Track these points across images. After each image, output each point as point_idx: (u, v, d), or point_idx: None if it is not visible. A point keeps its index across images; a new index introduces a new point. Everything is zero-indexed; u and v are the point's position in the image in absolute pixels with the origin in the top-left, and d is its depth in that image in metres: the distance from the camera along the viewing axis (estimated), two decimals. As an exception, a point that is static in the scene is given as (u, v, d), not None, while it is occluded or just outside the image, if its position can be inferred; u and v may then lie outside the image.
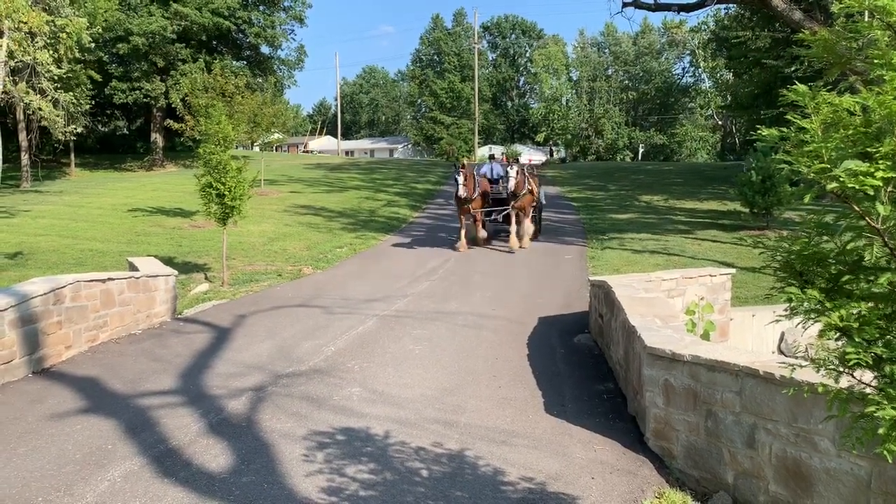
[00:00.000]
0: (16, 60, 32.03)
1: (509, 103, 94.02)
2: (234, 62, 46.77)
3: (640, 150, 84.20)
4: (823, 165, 2.30)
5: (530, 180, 18.22)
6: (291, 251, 19.10)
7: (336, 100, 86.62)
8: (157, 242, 20.43)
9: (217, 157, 14.34)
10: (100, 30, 33.87)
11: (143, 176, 43.68)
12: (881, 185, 2.26)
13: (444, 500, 4.65)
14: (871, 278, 2.43)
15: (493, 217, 18.68)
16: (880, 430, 2.30)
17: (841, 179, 2.25)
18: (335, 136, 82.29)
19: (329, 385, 7.12)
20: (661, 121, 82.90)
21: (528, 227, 18.62)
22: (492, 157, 19.40)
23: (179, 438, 5.66)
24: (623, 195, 33.00)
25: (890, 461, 2.33)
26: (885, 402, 2.30)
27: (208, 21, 44.47)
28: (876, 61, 2.26)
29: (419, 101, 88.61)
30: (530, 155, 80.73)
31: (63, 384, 7.21)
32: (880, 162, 2.24)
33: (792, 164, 2.35)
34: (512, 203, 17.62)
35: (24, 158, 38.31)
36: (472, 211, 17.63)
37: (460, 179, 16.86)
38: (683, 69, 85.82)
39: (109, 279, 9.15)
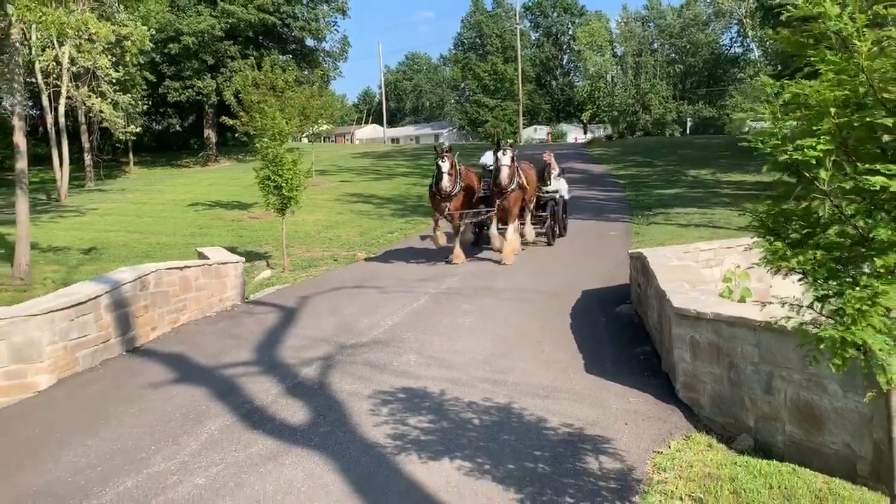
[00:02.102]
0: (77, 66, 33.77)
1: (553, 82, 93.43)
2: (280, 56, 47.93)
3: (689, 125, 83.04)
4: (776, 142, 2.90)
5: (522, 173, 14.49)
6: (345, 238, 20.01)
7: (380, 88, 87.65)
8: (218, 234, 21.58)
9: (274, 151, 15.25)
10: (153, 32, 35.27)
11: (199, 171, 45.33)
12: (822, 155, 2.86)
13: (493, 442, 5.36)
14: (824, 231, 3.03)
15: (477, 219, 14.95)
16: (821, 346, 2.91)
17: (789, 152, 2.85)
18: (381, 124, 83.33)
19: (388, 353, 7.89)
20: (709, 93, 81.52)
21: (526, 232, 15.62)
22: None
23: (262, 399, 6.50)
24: (670, 170, 33.08)
25: (834, 371, 2.94)
26: (829, 327, 2.90)
27: (254, 17, 45.76)
28: (813, 59, 2.85)
29: (462, 84, 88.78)
30: (576, 134, 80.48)
31: (154, 359, 8.15)
32: (821, 137, 2.84)
33: (751, 142, 2.96)
34: (497, 201, 14.00)
35: (87, 159, 40.20)
36: (448, 212, 14.19)
37: (444, 167, 13.51)
38: (731, 39, 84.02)
39: (186, 267, 10.10)
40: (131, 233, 23.13)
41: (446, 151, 13.86)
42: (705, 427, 6.04)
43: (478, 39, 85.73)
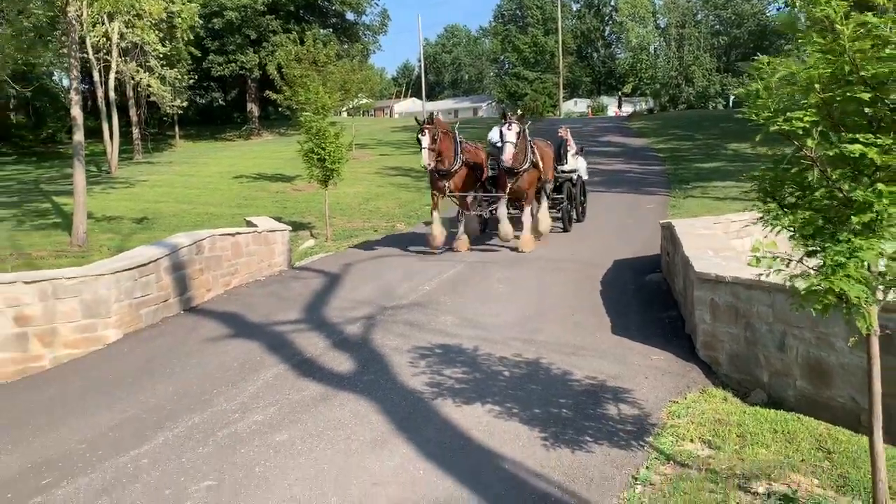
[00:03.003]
0: (126, 41, 34.70)
1: (595, 55, 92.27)
2: (321, 30, 48.40)
3: (733, 98, 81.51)
4: (769, 114, 3.30)
5: (537, 150, 13.02)
6: (385, 209, 20.57)
7: (419, 61, 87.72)
8: (263, 205, 22.31)
9: (317, 125, 15.80)
10: (198, 7, 35.98)
11: (242, 145, 46.29)
12: (809, 126, 3.25)
13: (521, 391, 5.86)
14: (812, 194, 3.42)
15: (485, 207, 13.38)
16: (801, 288, 3.33)
17: (779, 123, 3.25)
18: (419, 97, 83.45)
19: (426, 314, 8.42)
20: (755, 66, 79.73)
21: (542, 218, 13.72)
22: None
23: (311, 352, 7.10)
24: (710, 144, 32.89)
25: (815, 315, 3.35)
26: (812, 277, 3.31)
27: (296, -9, 46.22)
28: (801, 40, 3.23)
29: (502, 57, 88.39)
30: (614, 107, 79.64)
31: (210, 317, 8.81)
32: (808, 110, 3.23)
33: (745, 114, 3.36)
34: (508, 184, 12.42)
35: (136, 132, 41.33)
36: (448, 194, 12.74)
37: (424, 141, 11.70)
38: (778, 9, 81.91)
39: (238, 233, 10.75)
40: (180, 203, 24.01)
41: (427, 123, 11.88)
42: (722, 383, 6.45)
43: (518, 11, 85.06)
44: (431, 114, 12.80)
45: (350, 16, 53.50)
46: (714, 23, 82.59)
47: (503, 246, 12.91)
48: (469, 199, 13.09)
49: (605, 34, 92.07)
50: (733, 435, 4.97)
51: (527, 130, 12.55)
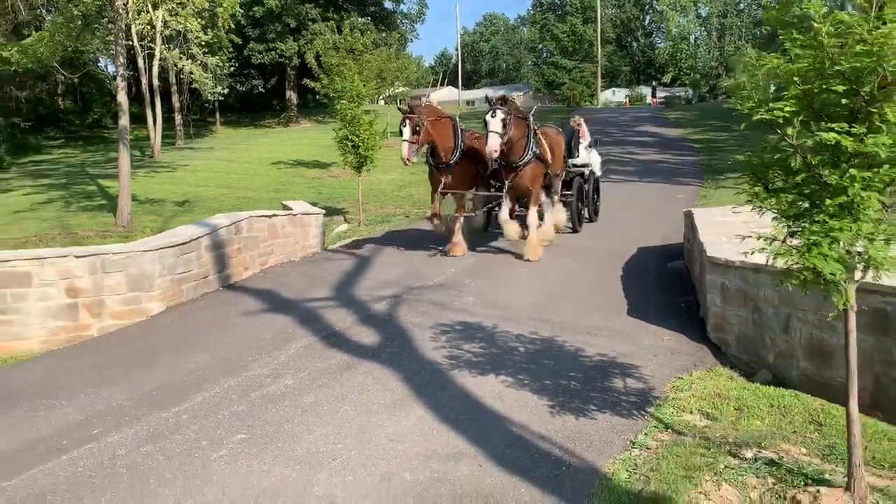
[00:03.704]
0: (170, 29, 35.55)
1: (634, 44, 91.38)
2: (359, 19, 48.88)
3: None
4: (752, 104, 3.59)
5: (544, 139, 11.49)
6: (417, 196, 20.98)
7: (457, 50, 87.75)
8: (300, 191, 22.89)
9: (352, 112, 16.26)
10: (238, -5, 36.62)
11: (281, 132, 47.08)
12: (790, 115, 3.54)
13: (534, 365, 6.21)
14: (794, 178, 3.71)
15: (479, 206, 12.51)
16: (781, 267, 3.63)
17: (761, 113, 3.55)
18: (457, 86, 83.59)
19: (450, 295, 8.81)
20: (797, 56, 78.31)
21: (550, 220, 12.07)
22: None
23: (339, 326, 7.54)
24: (747, 135, 32.60)
25: (791, 289, 3.65)
26: (790, 255, 3.61)
27: (335, -20, 46.74)
28: (782, 37, 3.51)
29: (540, 46, 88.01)
30: (651, 98, 78.82)
31: (247, 293, 9.31)
32: (789, 101, 3.53)
33: (731, 104, 3.66)
34: (507, 177, 10.87)
35: (178, 118, 42.33)
36: (442, 190, 11.19)
37: (405, 132, 10.45)
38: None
39: (274, 215, 11.26)
40: (220, 188, 24.72)
41: (409, 113, 10.56)
42: (731, 364, 6.72)
43: (556, 0, 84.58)
44: (412, 100, 11.80)
45: (388, 4, 53.97)
46: (756, 12, 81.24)
47: (508, 250, 11.56)
48: (468, 196, 11.75)
49: (645, 23, 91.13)
50: (731, 408, 5.28)
51: (531, 119, 11.14)
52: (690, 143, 31.48)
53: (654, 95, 76.40)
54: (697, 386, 5.82)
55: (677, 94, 72.67)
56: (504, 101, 10.40)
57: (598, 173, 15.34)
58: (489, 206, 12.50)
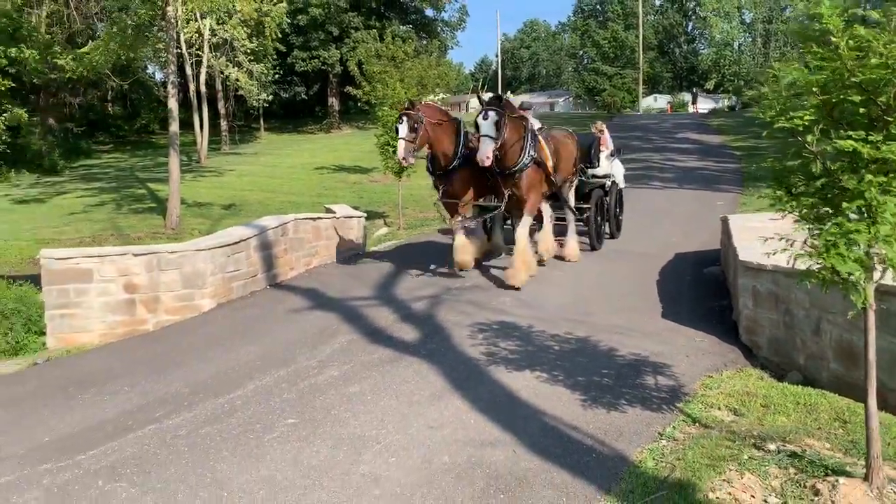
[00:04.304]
0: (217, 37, 36.57)
1: (676, 50, 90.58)
2: (400, 26, 49.51)
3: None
4: (773, 113, 3.82)
5: (550, 144, 10.46)
6: (457, 200, 21.30)
7: (497, 56, 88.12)
8: (342, 195, 23.39)
9: (393, 119, 16.64)
10: (284, 4, 37.49)
11: (323, 137, 47.90)
12: (808, 124, 3.76)
13: (568, 362, 6.46)
14: (815, 183, 3.92)
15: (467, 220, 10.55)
16: (802, 268, 3.85)
17: (782, 122, 3.77)
18: (495, 92, 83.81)
19: (487, 295, 9.10)
20: (844, 62, 76.81)
21: (568, 243, 11.30)
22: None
23: (381, 323, 7.89)
24: (790, 143, 32.32)
25: (809, 287, 3.86)
26: (812, 257, 3.82)
27: (378, -12, 47.47)
28: (803, 50, 3.73)
29: (581, 52, 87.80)
30: (698, 104, 78.05)
31: (293, 292, 9.72)
32: (808, 110, 3.75)
33: (754, 113, 3.88)
34: (505, 186, 9.79)
35: (223, 124, 43.42)
36: (441, 199, 10.44)
37: (402, 130, 9.55)
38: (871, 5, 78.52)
39: (318, 218, 11.69)
40: (265, 192, 25.39)
41: (411, 109, 9.74)
42: (762, 365, 6.89)
43: (598, 6, 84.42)
44: (411, 100, 10.90)
45: (429, 12, 54.53)
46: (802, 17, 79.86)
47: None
48: (461, 207, 10.37)
49: (688, 29, 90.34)
50: (758, 405, 5.46)
51: (530, 120, 10.09)
52: (732, 151, 31.28)
53: (694, 102, 75.48)
54: (727, 384, 6.01)
55: (719, 103, 71.63)
56: (498, 100, 9.50)
57: (622, 185, 14.23)
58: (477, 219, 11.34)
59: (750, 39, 79.80)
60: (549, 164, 10.22)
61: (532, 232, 10.37)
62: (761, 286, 7.13)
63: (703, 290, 9.71)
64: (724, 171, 24.84)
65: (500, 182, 9.82)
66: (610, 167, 13.36)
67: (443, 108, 10.57)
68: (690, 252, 12.33)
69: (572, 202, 11.68)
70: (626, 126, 43.58)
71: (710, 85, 79.99)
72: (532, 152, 9.74)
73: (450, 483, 4.21)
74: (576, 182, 11.86)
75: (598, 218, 12.58)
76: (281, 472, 4.39)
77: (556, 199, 11.26)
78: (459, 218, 10.32)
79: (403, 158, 9.63)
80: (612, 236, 13.56)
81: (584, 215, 12.23)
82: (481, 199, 10.72)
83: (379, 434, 4.93)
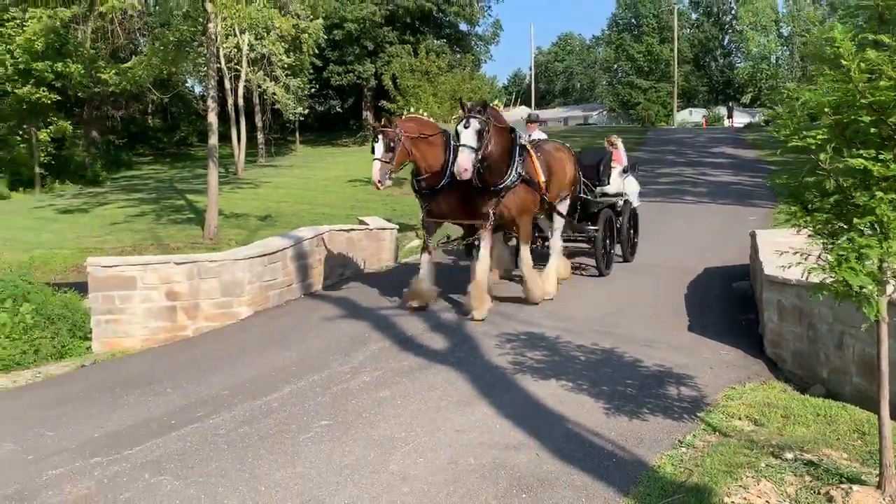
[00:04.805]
0: (255, 52, 37.37)
1: (713, 64, 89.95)
2: (434, 41, 50.11)
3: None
4: (788, 132, 4.00)
5: (541, 159, 9.47)
6: (488, 213, 21.51)
7: (530, 69, 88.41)
8: (374, 207, 23.75)
9: (426, 132, 16.97)
10: (321, 21, 38.20)
11: (357, 150, 48.46)
12: (821, 143, 3.93)
13: (594, 372, 6.63)
14: (828, 199, 4.08)
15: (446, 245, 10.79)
16: (816, 281, 4.00)
17: (795, 141, 3.95)
18: (529, 106, 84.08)
19: (515, 307, 9.29)
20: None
21: (552, 267, 9.97)
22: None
23: (411, 332, 8.14)
24: (805, 160, 32.00)
25: (821, 298, 4.01)
26: (826, 271, 3.98)
27: (412, 4, 48.10)
28: (814, 73, 3.91)
29: (615, 66, 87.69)
30: (734, 118, 77.34)
31: (326, 301, 10.02)
32: (821, 129, 3.92)
33: (769, 131, 4.05)
34: (486, 205, 8.83)
35: (260, 137, 44.25)
36: (429, 220, 9.66)
37: (378, 149, 8.76)
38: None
39: (352, 230, 12.02)
40: (300, 203, 25.88)
41: (385, 125, 8.96)
42: (786, 378, 6.98)
43: (633, 20, 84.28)
44: (388, 112, 10.02)
45: (463, 26, 55.05)
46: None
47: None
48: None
49: (724, 43, 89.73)
50: (778, 415, 5.58)
51: (517, 132, 9.21)
52: (767, 165, 31.03)
53: (730, 116, 74.75)
54: (749, 396, 6.13)
55: (755, 118, 70.78)
56: (483, 107, 8.48)
57: (636, 203, 12.94)
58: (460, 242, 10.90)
59: (787, 53, 79.05)
60: (542, 180, 9.32)
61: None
62: (786, 300, 7.23)
63: (731, 304, 9.79)
64: (758, 186, 24.70)
65: (481, 200, 8.86)
66: (622, 184, 12.38)
67: (429, 120, 9.71)
68: (720, 267, 12.37)
69: (561, 223, 10.29)
70: (660, 140, 43.48)
71: (746, 99, 79.32)
72: (520, 169, 8.85)
73: (475, 482, 4.42)
74: (568, 200, 10.48)
75: (607, 241, 11.51)
76: (315, 469, 4.64)
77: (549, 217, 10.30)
78: (437, 242, 9.36)
79: (378, 181, 8.77)
80: (626, 260, 12.49)
81: (592, 240, 11.17)
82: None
83: (408, 436, 5.16)
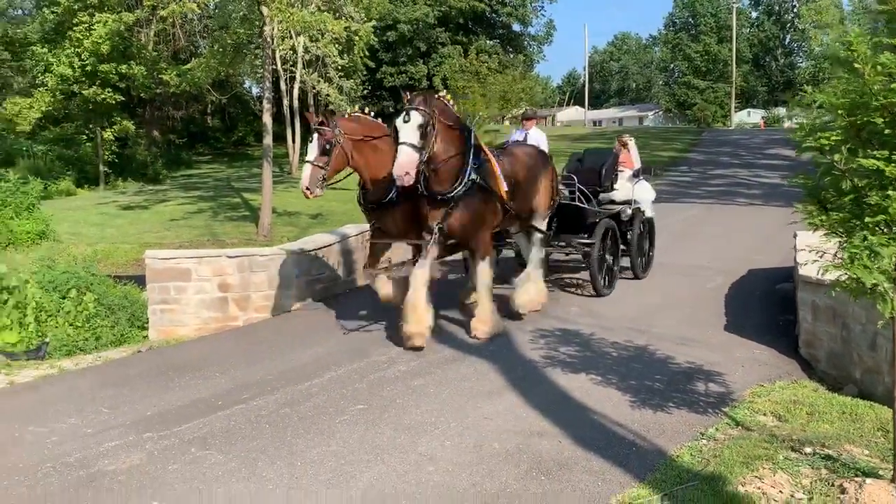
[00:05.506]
0: (310, 54, 38.13)
1: (773, 63, 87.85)
2: (487, 41, 50.28)
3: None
4: (802, 133, 4.12)
5: (484, 161, 7.63)
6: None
7: (584, 70, 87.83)
8: (423, 206, 24.11)
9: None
10: (374, 22, 38.75)
11: (409, 150, 49.02)
12: (835, 144, 4.05)
13: (624, 367, 6.79)
14: (844, 198, 4.19)
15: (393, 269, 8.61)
16: (830, 279, 4.12)
17: (809, 142, 4.07)
18: (583, 106, 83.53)
19: (553, 304, 9.47)
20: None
21: (528, 290, 8.75)
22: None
23: (447, 326, 8.43)
24: (821, 160, 31.18)
25: (833, 293, 4.12)
26: (842, 268, 4.09)
27: (465, 5, 48.39)
28: (829, 75, 4.01)
29: (672, 65, 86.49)
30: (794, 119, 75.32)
31: (369, 294, 10.30)
32: (835, 130, 4.04)
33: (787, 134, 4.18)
34: (431, 216, 7.52)
35: (314, 138, 45.03)
36: (373, 241, 8.81)
37: (311, 151, 7.65)
38: None
39: (396, 227, 12.30)
40: (347, 203, 26.28)
41: (323, 123, 7.63)
42: (819, 378, 7.01)
43: (690, 19, 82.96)
44: (327, 106, 8.74)
45: (516, 27, 55.09)
46: (910, 29, 76.32)
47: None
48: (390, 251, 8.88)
49: (786, 42, 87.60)
50: (803, 412, 5.66)
51: (473, 130, 7.89)
52: (815, 168, 30.40)
53: (791, 118, 72.91)
54: (777, 393, 6.21)
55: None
56: (427, 98, 7.16)
57: (649, 213, 11.31)
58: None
59: (851, 52, 76.76)
60: (502, 190, 7.82)
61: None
62: (820, 300, 7.25)
63: (772, 305, 9.78)
64: (811, 188, 24.26)
65: (427, 211, 7.55)
66: (632, 191, 10.89)
67: (376, 121, 8.38)
68: (764, 268, 12.30)
69: (537, 237, 9.05)
70: (716, 141, 42.85)
71: (806, 100, 77.26)
72: (474, 175, 7.43)
73: (497, 464, 4.66)
74: (545, 215, 9.10)
75: (611, 256, 10.14)
76: (348, 448, 4.95)
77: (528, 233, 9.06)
78: (383, 267, 8.45)
79: (307, 188, 7.57)
80: (636, 276, 11.04)
81: (588, 257, 9.77)
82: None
83: (437, 421, 5.43)
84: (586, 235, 9.79)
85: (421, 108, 7.01)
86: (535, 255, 9.05)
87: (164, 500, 4.28)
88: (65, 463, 4.83)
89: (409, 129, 6.91)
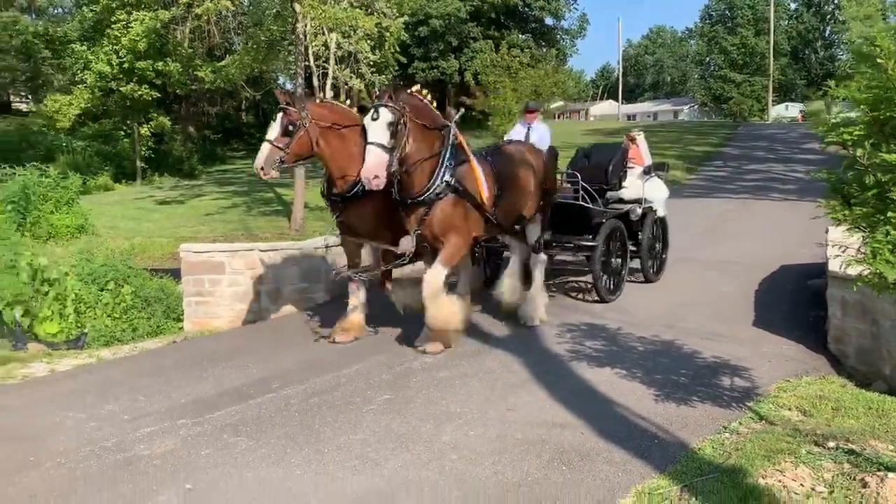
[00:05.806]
0: (342, 50, 38.43)
1: (812, 56, 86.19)
2: (519, 35, 50.12)
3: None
4: (825, 127, 4.13)
5: (463, 162, 7.17)
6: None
7: (618, 63, 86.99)
8: (454, 201, 24.20)
9: (503, 128, 17.29)
10: (406, 17, 38.85)
11: (441, 145, 49.17)
12: (857, 139, 4.05)
13: (650, 362, 6.82)
14: (867, 192, 4.19)
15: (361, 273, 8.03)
16: (853, 274, 4.12)
17: (831, 137, 4.08)
18: (617, 100, 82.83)
19: (579, 298, 9.50)
20: None
21: (538, 301, 8.44)
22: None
23: (476, 319, 8.50)
24: (845, 155, 30.54)
25: (854, 288, 4.12)
26: (865, 263, 4.10)
27: (497, -1, 48.37)
28: (852, 70, 4.03)
29: (707, 59, 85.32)
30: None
31: (395, 286, 10.46)
32: (858, 125, 4.04)
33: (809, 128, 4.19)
34: (407, 221, 7.11)
35: (346, 132, 45.38)
36: (343, 239, 8.09)
37: (272, 131, 6.96)
38: None
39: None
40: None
41: (286, 104, 7.00)
42: (848, 374, 6.96)
43: (727, 12, 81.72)
44: (290, 91, 7.66)
45: (549, 21, 54.88)
46: (955, 20, 74.32)
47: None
48: (365, 253, 8.36)
49: (826, 34, 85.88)
50: (828, 407, 5.65)
51: (452, 127, 7.25)
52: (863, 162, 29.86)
53: (829, 113, 71.41)
54: (803, 389, 6.20)
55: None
56: (395, 93, 6.62)
57: (662, 212, 10.81)
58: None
59: (893, 43, 75.02)
60: (485, 194, 7.26)
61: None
62: (849, 296, 7.20)
63: (801, 300, 9.70)
64: (850, 183, 23.86)
65: (404, 217, 7.12)
66: (642, 189, 10.39)
67: (348, 110, 7.62)
68: (798, 263, 12.17)
69: (532, 239, 8.50)
70: (751, 135, 42.22)
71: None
72: (448, 176, 6.92)
73: (519, 454, 4.75)
74: (539, 220, 8.48)
75: (617, 258, 9.69)
76: (374, 437, 5.07)
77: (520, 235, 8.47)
78: (353, 270, 7.97)
79: (261, 168, 6.89)
80: (647, 280, 10.58)
81: (593, 261, 9.16)
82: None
83: (462, 412, 5.52)
84: (591, 237, 9.23)
85: (390, 104, 6.51)
86: (537, 257, 8.57)
87: (196, 483, 4.43)
88: (103, 447, 5.02)
89: (377, 127, 6.42)
